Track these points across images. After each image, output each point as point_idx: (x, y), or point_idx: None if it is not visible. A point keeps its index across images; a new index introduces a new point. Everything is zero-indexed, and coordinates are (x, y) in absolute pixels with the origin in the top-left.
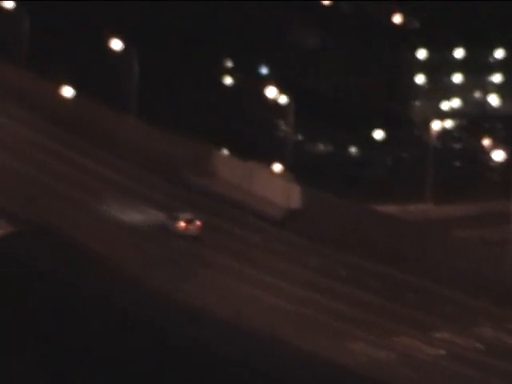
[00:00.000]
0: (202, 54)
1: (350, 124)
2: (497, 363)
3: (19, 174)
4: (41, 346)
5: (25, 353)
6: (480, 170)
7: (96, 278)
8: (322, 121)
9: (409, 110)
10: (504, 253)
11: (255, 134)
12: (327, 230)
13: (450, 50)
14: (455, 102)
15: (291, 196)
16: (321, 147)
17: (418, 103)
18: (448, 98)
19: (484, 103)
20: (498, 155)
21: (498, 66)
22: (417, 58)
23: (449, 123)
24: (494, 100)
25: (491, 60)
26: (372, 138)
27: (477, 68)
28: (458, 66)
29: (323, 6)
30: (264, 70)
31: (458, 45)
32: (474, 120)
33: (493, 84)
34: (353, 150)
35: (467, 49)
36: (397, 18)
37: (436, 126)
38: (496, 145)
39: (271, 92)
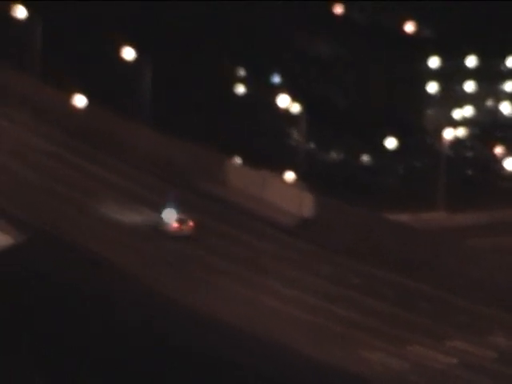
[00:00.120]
0: (214, 63)
1: (362, 132)
2: (510, 372)
3: (31, 182)
4: (40, 346)
5: (24, 353)
6: (492, 179)
7: (97, 279)
8: (335, 129)
9: (421, 119)
10: None
11: (268, 142)
12: (340, 239)
13: (463, 59)
14: (467, 111)
15: (303, 204)
16: (333, 156)
17: (430, 112)
18: (460, 106)
19: (496, 111)
20: (510, 164)
21: (510, 74)
22: (429, 67)
23: (461, 131)
24: (506, 108)
25: (503, 68)
26: (384, 147)
27: (489, 76)
28: (470, 74)
29: (336, 15)
30: (276, 79)
31: (470, 53)
32: (486, 128)
33: (505, 92)
34: (365, 158)
35: (479, 57)
36: (409, 27)
37: (448, 134)
38: (508, 153)
39: (284, 101)
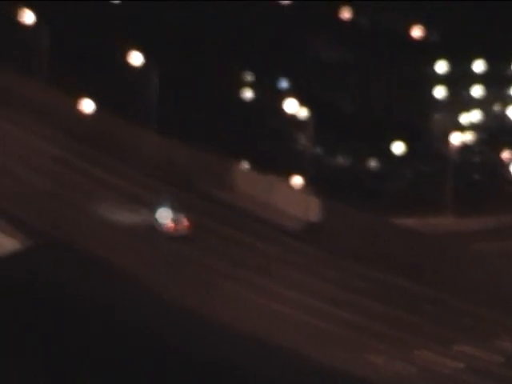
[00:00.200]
0: (222, 68)
1: (369, 137)
2: None
3: (37, 187)
4: (41, 347)
5: (25, 353)
6: (499, 183)
7: (99, 281)
8: (342, 134)
9: (428, 123)
10: None
11: (275, 147)
12: (347, 243)
13: (470, 63)
14: (475, 115)
15: (310, 209)
16: (340, 160)
17: (437, 116)
18: (467, 111)
19: (503, 116)
20: None
21: None
22: (436, 71)
23: (468, 136)
24: None
25: (510, 73)
26: (391, 151)
27: (496, 81)
28: (478, 79)
29: (343, 19)
30: (284, 84)
31: (477, 58)
32: (494, 133)
33: None
34: (372, 163)
35: (487, 62)
36: (416, 32)
37: (455, 139)
38: None
39: (291, 105)
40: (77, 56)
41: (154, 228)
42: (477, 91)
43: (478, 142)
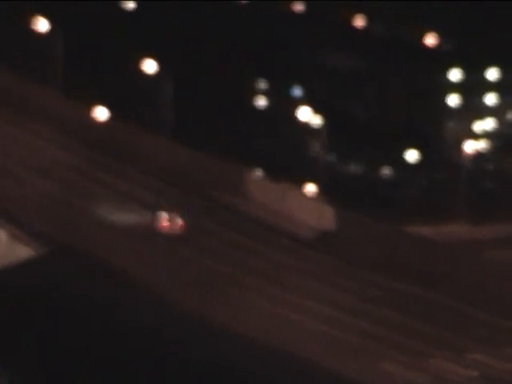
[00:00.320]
0: (235, 76)
1: (382, 145)
2: None
3: (51, 195)
4: (40, 346)
5: (24, 352)
6: None
7: (98, 281)
8: (355, 142)
9: (442, 131)
10: None
11: (288, 155)
12: (360, 252)
13: (483, 71)
14: (488, 123)
15: (324, 217)
16: (353, 168)
17: (451, 124)
18: (481, 119)
19: None
20: None
21: None
22: (449, 80)
23: (482, 144)
24: None
25: None
26: (405, 160)
27: (510, 89)
28: (491, 87)
29: (356, 28)
30: (297, 92)
31: (490, 66)
32: (507, 141)
33: None
34: (386, 171)
35: (500, 70)
36: (430, 40)
37: (469, 147)
38: None
39: (304, 113)
40: (91, 64)
41: (158, 230)
42: (490, 99)
43: (492, 150)
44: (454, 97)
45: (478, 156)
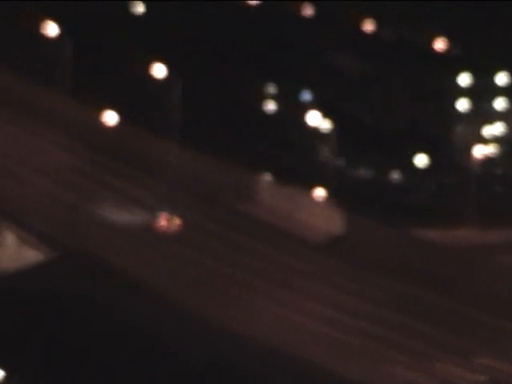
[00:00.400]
0: (244, 80)
1: (392, 150)
2: None
3: (60, 199)
4: (48, 349)
5: (33, 356)
6: None
7: (98, 281)
8: (364, 146)
9: (451, 136)
10: None
11: (297, 159)
12: (369, 256)
13: (493, 76)
14: (497, 128)
15: (333, 221)
16: (363, 173)
17: (460, 129)
18: (490, 123)
19: None
20: None
21: None
22: (459, 84)
23: (491, 149)
24: None
25: None
26: (414, 164)
27: None
28: (501, 91)
29: (366, 32)
30: (306, 96)
31: (500, 70)
32: None
33: None
34: (395, 175)
35: (510, 74)
36: (439, 44)
37: (478, 151)
38: None
39: (314, 118)
40: (100, 68)
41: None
42: (500, 104)
43: (501, 155)
44: (463, 101)
45: (487, 160)
